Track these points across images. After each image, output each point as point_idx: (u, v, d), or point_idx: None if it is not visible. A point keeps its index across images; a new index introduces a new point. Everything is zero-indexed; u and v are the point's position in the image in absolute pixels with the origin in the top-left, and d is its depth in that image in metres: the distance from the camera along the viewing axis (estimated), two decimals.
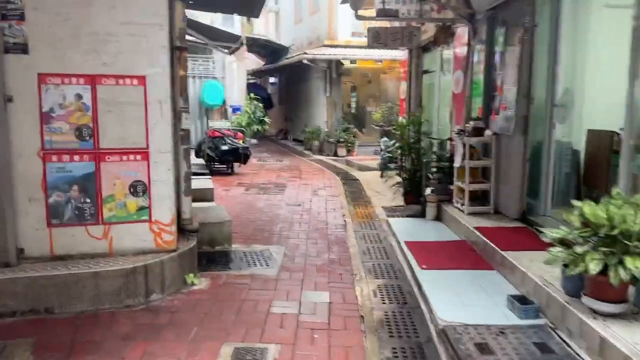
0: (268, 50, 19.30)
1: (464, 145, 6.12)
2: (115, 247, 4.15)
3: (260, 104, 14.41)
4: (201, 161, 10.53)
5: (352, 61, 14.95)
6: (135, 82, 4.09)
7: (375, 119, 12.75)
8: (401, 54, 13.97)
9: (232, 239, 5.58)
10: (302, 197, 8.39)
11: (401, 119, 10.86)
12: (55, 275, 3.77)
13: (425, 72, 10.29)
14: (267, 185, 9.43)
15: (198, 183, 8.09)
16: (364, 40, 15.35)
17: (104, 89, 4.02)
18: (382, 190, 8.94)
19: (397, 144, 7.50)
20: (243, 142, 10.78)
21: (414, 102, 10.47)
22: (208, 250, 5.34)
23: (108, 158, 4.08)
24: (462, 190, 6.29)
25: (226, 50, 13.10)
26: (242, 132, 11.48)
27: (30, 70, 3.84)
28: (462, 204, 6.19)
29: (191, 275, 4.44)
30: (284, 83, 20.27)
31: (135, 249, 4.20)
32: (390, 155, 10.26)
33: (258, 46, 18.07)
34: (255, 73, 22.43)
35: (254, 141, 14.73)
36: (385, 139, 10.84)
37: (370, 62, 15.67)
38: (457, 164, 6.24)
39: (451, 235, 5.97)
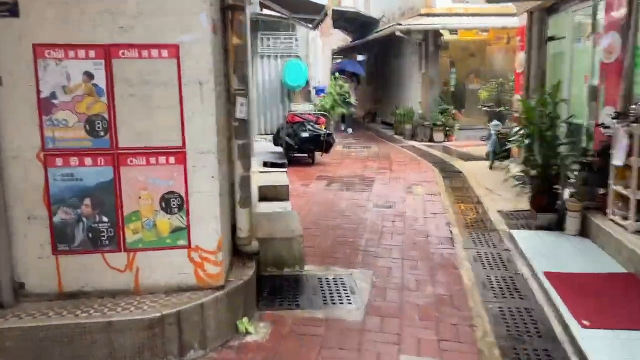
0: (355, 24, 17.74)
1: (631, 136, 4.31)
2: (143, 282, 3.04)
3: (346, 84, 13.04)
4: (279, 149, 9.43)
5: (453, 32, 13.00)
6: (164, 53, 2.89)
7: (482, 98, 10.84)
8: (514, 20, 11.83)
9: (305, 257, 4.33)
10: (394, 196, 6.94)
11: (516, 97, 8.95)
12: (56, 325, 2.72)
13: (551, 39, 8.26)
14: (352, 179, 8.07)
15: (271, 178, 6.95)
16: (468, 7, 13.41)
17: (123, 64, 2.86)
18: (495, 188, 7.22)
19: (520, 130, 5.78)
20: (325, 128, 9.49)
21: (534, 77, 8.50)
22: (273, 274, 4.12)
23: (130, 161, 2.94)
24: (622, 198, 4.51)
25: (310, 25, 11.82)
26: (324, 116, 10.18)
27: (22, 40, 2.77)
28: (624, 217, 4.42)
29: (245, 320, 3.23)
30: (373, 61, 18.65)
31: (169, 285, 3.06)
32: (505, 140, 8.48)
33: (345, 20, 16.59)
34: (340, 51, 21.02)
35: (349, 130, 13.46)
36: (495, 122, 9.00)
37: (472, 33, 13.59)
38: (618, 161, 4.44)
39: (610, 262, 4.24)
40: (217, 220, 3.08)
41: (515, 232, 5.19)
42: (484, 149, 11.35)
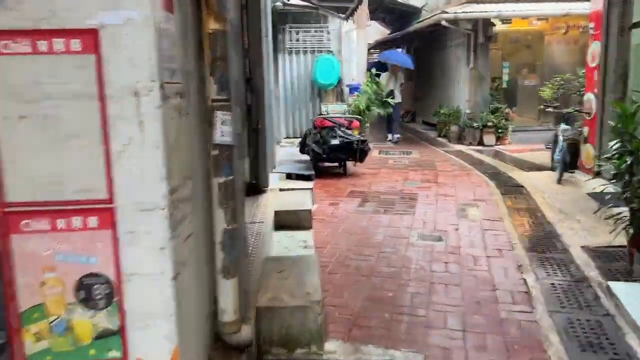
0: (394, 15, 16.32)
1: None
2: None
3: (382, 82, 11.69)
4: (307, 157, 8.21)
5: (505, 21, 11.43)
6: (75, 44, 1.71)
7: (545, 96, 9.25)
8: (582, 5, 10.19)
9: (327, 326, 3.10)
10: (443, 222, 5.60)
11: (589, 96, 7.41)
12: None
13: (636, 25, 6.70)
14: (390, 197, 6.76)
15: (292, 199, 5.72)
16: None
17: (7, 65, 1.70)
18: (571, 210, 5.78)
19: (617, 145, 4.33)
20: (360, 134, 8.19)
21: (613, 72, 6.96)
22: (279, 359, 2.91)
23: (26, 225, 1.78)
24: None
25: (342, 15, 10.53)
26: (358, 120, 8.88)
27: None
28: None
29: None
30: (413, 55, 17.16)
31: None
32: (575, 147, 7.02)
33: (382, 11, 15.20)
34: (377, 45, 19.59)
35: (396, 137, 12.21)
36: (564, 126, 7.48)
37: (525, 23, 11.97)
38: None
39: None
40: (171, 318, 1.88)
41: (614, 285, 3.79)
42: (543, 155, 9.82)
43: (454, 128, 11.99)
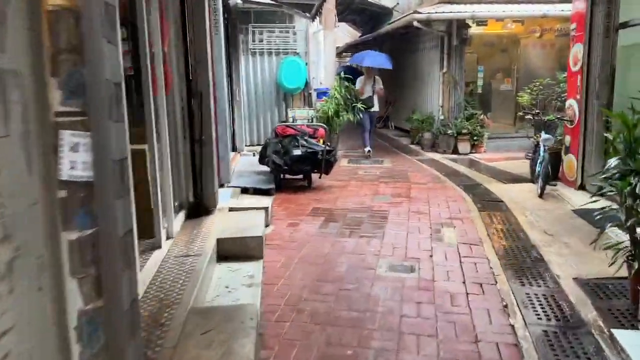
0: (365, 17, 15.69)
1: None
2: None
3: (351, 87, 11.00)
4: (266, 169, 7.43)
5: (480, 23, 10.89)
6: None
7: (523, 102, 8.67)
8: (562, 7, 9.75)
9: None
10: (416, 247, 4.88)
11: (571, 102, 6.85)
12: None
13: (624, 25, 6.17)
14: (358, 215, 6.03)
15: (241, 221, 4.92)
16: None
17: None
18: (555, 230, 5.16)
19: (616, 163, 3.67)
20: (325, 143, 7.44)
21: (597, 78, 6.40)
22: None
23: None
24: None
25: (308, 14, 9.82)
26: (324, 128, 8.12)
27: None
28: None
29: None
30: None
31: None
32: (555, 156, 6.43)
33: (352, 12, 14.54)
34: (348, 48, 18.96)
35: (367, 150, 10.46)
36: (546, 135, 6.89)
37: (499, 26, 11.46)
38: None
39: None
40: None
41: (619, 334, 3.13)
42: (522, 164, 9.27)
43: (427, 135, 11.38)
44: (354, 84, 10.66)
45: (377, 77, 10.60)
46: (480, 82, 11.24)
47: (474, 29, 11.06)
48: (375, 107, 10.61)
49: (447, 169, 9.17)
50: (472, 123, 10.69)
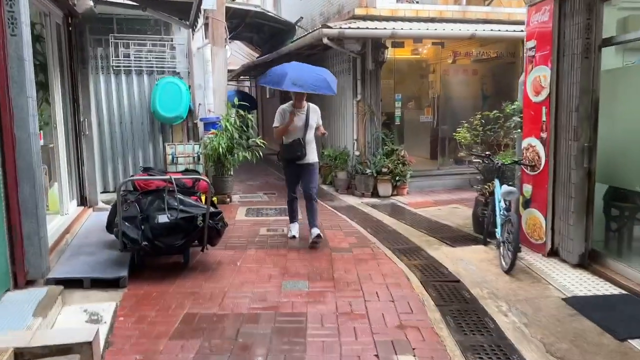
0: (263, 34, 13.69)
1: None
2: None
3: (250, 116, 8.82)
4: (113, 238, 4.91)
5: (397, 43, 9.32)
6: None
7: (462, 140, 6.96)
8: (500, 27, 8.48)
9: None
10: None
11: (530, 141, 5.25)
12: None
13: (608, 42, 4.69)
14: (258, 327, 3.75)
15: None
16: (420, 8, 9.75)
17: None
18: (558, 342, 3.31)
19: None
20: (207, 200, 5.03)
21: (576, 109, 4.85)
22: None
23: None
24: None
25: (185, 22, 7.51)
26: (206, 180, 5.60)
27: None
28: None
29: None
30: None
31: None
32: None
33: (248, 28, 12.44)
34: (245, 71, 16.81)
35: (291, 234, 6.25)
36: (509, 187, 5.17)
37: (408, 52, 10.07)
38: None
39: None
40: None
41: None
42: (453, 211, 7.70)
43: (341, 175, 9.48)
44: (250, 111, 8.47)
45: (311, 105, 5.97)
46: (398, 113, 9.64)
47: (392, 51, 9.48)
48: (311, 157, 5.92)
49: (370, 220, 7.24)
50: (392, 161, 8.98)
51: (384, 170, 8.92)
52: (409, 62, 10.37)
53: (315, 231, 5.87)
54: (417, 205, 8.34)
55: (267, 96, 18.29)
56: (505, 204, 5.15)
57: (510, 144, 6.54)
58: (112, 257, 4.92)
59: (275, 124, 5.85)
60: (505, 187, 5.19)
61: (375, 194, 8.99)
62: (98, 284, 4.48)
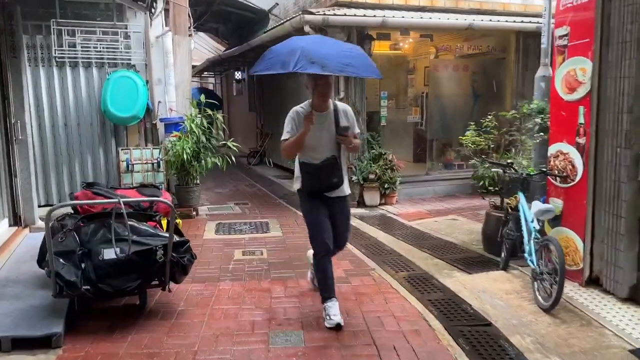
0: (231, 25, 12.51)
1: None
2: None
3: (219, 116, 7.66)
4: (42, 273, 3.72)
5: (382, 36, 8.37)
6: None
7: (471, 145, 5.95)
8: (499, 17, 7.66)
9: None
10: None
11: (558, 149, 4.38)
12: None
13: None
14: None
15: None
16: None
17: None
18: None
19: None
20: (169, 225, 3.90)
21: (629, 110, 3.99)
22: None
23: None
24: None
25: (142, 3, 6.33)
26: (167, 203, 4.31)
27: None
28: None
29: None
30: (259, 79, 13.52)
31: None
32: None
33: (214, 18, 11.23)
34: (209, 67, 15.55)
35: (332, 321, 3.72)
36: (545, 206, 4.28)
37: (385, 46, 9.20)
38: None
39: None
40: None
41: None
42: (453, 223, 6.88)
43: None
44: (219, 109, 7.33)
45: (340, 104, 3.84)
46: (384, 113, 8.69)
47: (380, 44, 8.54)
48: (344, 189, 3.81)
49: (362, 237, 6.27)
50: (380, 166, 8.03)
51: (371, 177, 7.96)
52: (395, 56, 9.47)
53: (311, 275, 4.40)
54: (411, 216, 7.42)
55: (235, 93, 17.08)
56: (539, 225, 4.26)
57: (520, 146, 5.66)
58: (45, 303, 3.74)
59: (285, 135, 3.64)
60: (538, 205, 4.30)
61: (361, 203, 8.03)
62: (23, 344, 3.32)
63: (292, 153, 3.73)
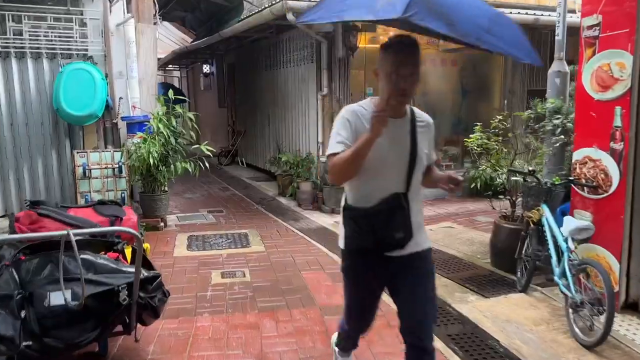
0: (199, 14, 11.60)
1: None
2: None
3: (191, 115, 6.81)
4: None
5: (369, 26, 7.70)
6: None
7: (476, 149, 5.23)
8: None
9: None
10: None
11: (586, 154, 3.82)
12: None
13: None
14: None
15: None
16: None
17: None
18: None
19: None
20: (138, 261, 3.13)
21: None
22: None
23: None
24: None
25: None
26: (133, 233, 3.47)
27: None
28: None
29: None
30: (229, 72, 12.67)
31: None
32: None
33: (181, 5, 10.31)
34: (175, 60, 14.56)
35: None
36: (582, 223, 3.72)
37: (374, 39, 8.54)
38: None
39: None
40: None
41: None
42: (449, 230, 6.33)
43: (305, 186, 7.75)
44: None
45: (417, 111, 2.34)
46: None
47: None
48: (421, 238, 2.33)
49: None
50: None
51: None
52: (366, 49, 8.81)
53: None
54: None
55: (202, 88, 16.12)
56: (573, 243, 3.69)
57: (530, 150, 5.10)
58: None
59: (335, 147, 2.17)
60: (573, 222, 3.73)
61: None
62: None
63: (348, 174, 2.15)
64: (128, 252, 3.27)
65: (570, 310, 3.58)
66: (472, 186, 7.92)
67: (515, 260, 4.50)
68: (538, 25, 7.89)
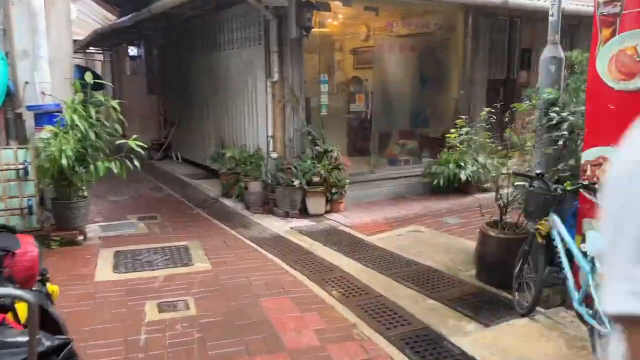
0: None
1: None
2: None
3: (115, 104, 5.60)
4: None
5: (322, 4, 6.82)
6: None
7: (456, 143, 4.44)
8: None
9: None
10: None
11: (598, 155, 3.15)
12: None
13: None
14: None
15: None
16: None
17: None
18: None
19: None
20: (34, 325, 2.11)
21: None
22: None
23: None
24: None
25: None
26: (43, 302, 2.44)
27: None
28: None
29: None
30: (160, 55, 11.32)
31: None
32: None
33: None
34: (97, 41, 12.93)
35: None
36: (596, 235, 3.08)
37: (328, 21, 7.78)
38: None
39: None
40: None
41: None
42: (417, 236, 5.71)
43: (254, 186, 6.80)
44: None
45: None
46: (324, 100, 7.19)
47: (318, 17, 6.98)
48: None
49: (321, 267, 4.75)
50: (325, 166, 6.56)
51: (316, 179, 6.46)
52: (335, 33, 8.01)
53: None
54: (367, 228, 6.06)
55: (129, 73, 14.53)
56: (594, 261, 3.06)
57: (519, 147, 4.47)
58: None
59: (625, 300, 0.69)
60: (592, 236, 3.10)
61: (304, 212, 6.52)
62: None
63: None
64: (20, 309, 2.22)
65: (598, 345, 2.95)
66: (434, 182, 7.44)
67: (507, 276, 3.88)
68: (507, 7, 7.38)
